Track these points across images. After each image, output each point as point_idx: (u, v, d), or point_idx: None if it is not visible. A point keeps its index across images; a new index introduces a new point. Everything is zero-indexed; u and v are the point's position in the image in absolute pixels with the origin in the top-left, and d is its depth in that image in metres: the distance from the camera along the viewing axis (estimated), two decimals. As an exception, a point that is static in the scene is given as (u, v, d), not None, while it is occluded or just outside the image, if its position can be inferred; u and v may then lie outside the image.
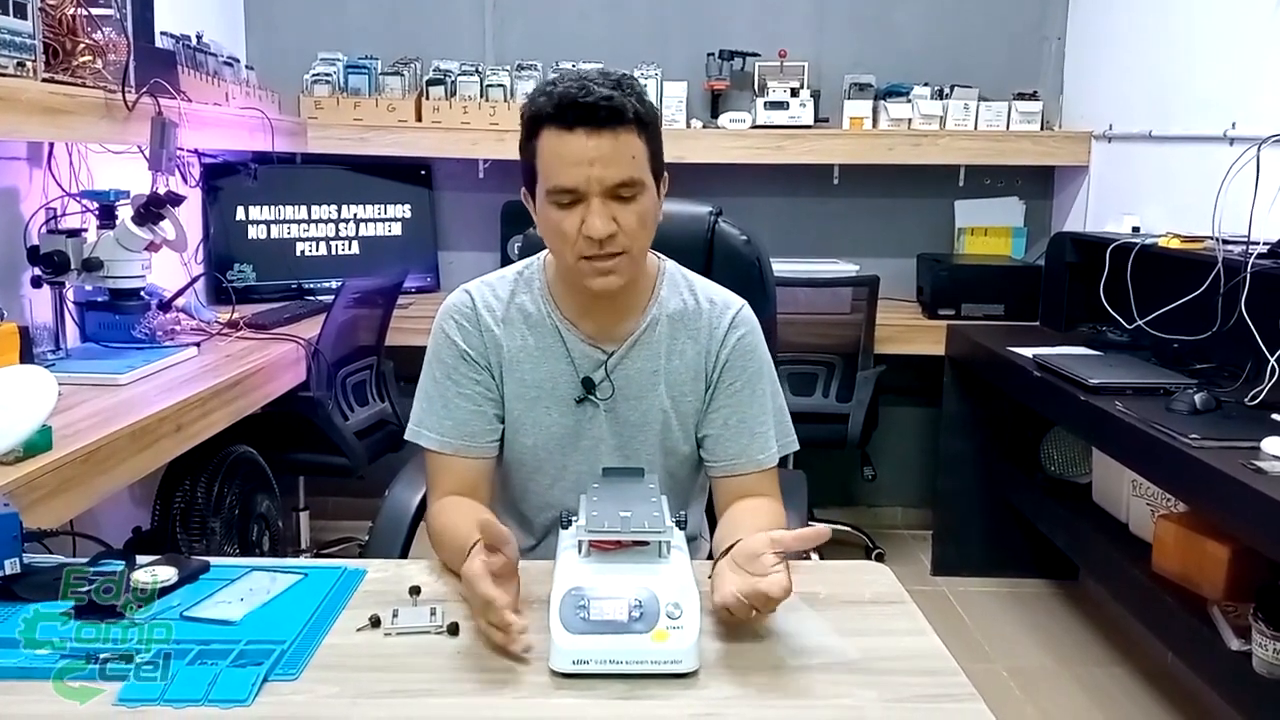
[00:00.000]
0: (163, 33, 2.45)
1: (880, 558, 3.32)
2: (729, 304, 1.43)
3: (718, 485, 1.44)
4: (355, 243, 3.41)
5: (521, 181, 1.34)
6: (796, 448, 1.46)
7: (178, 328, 2.42)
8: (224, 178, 3.13)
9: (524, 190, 1.34)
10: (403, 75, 3.29)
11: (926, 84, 3.37)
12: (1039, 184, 3.58)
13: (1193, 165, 2.69)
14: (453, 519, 1.29)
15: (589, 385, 1.39)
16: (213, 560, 1.23)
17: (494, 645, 1.04)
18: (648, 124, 1.27)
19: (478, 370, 1.39)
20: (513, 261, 1.49)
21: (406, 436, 1.41)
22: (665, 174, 1.34)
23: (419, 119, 3.26)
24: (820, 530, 1.08)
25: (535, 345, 1.39)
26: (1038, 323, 3.17)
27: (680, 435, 1.42)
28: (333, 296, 2.60)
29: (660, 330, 1.40)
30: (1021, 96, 3.37)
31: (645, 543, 1.09)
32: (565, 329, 1.39)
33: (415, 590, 1.17)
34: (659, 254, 1.44)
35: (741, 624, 1.09)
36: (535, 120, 1.26)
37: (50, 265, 2.13)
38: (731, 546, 1.14)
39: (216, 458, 2.42)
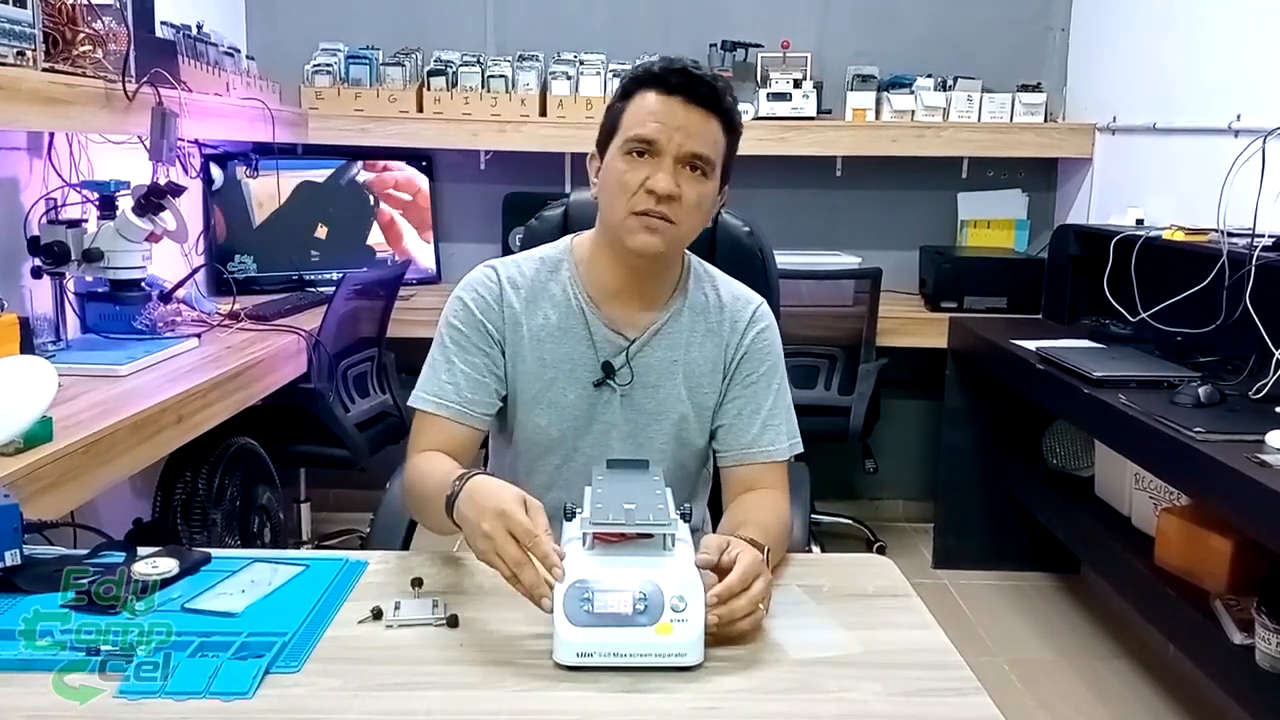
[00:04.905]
0: (163, 22, 2.44)
1: (881, 550, 3.32)
2: (750, 300, 1.47)
3: (728, 476, 1.44)
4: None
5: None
6: (801, 449, 1.46)
7: (178, 319, 2.41)
8: (225, 168, 3.12)
9: (593, 151, 1.38)
10: (404, 66, 3.28)
11: (930, 76, 3.36)
12: (1042, 176, 3.57)
13: (1197, 157, 2.68)
14: (433, 465, 1.28)
15: (609, 370, 1.39)
16: (214, 552, 1.22)
17: (525, 591, 1.02)
18: (732, 129, 1.35)
19: (489, 343, 1.39)
20: (513, 253, 1.48)
21: (409, 402, 1.39)
22: (729, 187, 1.40)
23: (420, 110, 3.25)
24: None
25: (558, 324, 1.40)
26: (1040, 315, 3.16)
27: (696, 428, 1.43)
28: (334, 288, 2.59)
29: (682, 322, 1.42)
30: (1025, 88, 3.36)
31: (649, 535, 1.09)
32: (590, 311, 1.39)
33: (417, 582, 1.17)
34: (686, 250, 1.45)
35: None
36: (636, 80, 1.32)
37: (50, 256, 2.12)
38: None
39: (217, 449, 2.42)
